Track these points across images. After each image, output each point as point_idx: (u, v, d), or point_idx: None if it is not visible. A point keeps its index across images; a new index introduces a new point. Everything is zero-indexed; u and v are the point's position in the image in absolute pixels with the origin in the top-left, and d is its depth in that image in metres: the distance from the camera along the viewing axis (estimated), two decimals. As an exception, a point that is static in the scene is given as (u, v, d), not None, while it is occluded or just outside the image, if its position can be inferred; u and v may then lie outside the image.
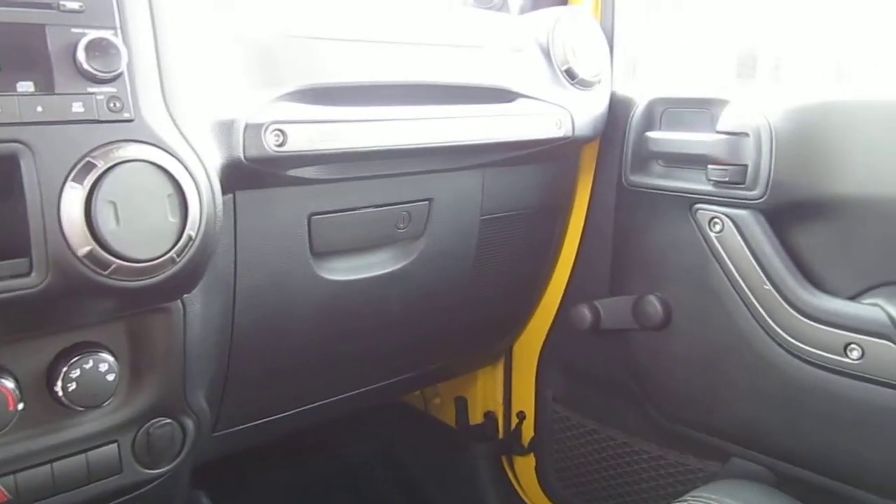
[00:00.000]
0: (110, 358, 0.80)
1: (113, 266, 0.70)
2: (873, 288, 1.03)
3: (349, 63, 0.97)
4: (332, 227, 1.03)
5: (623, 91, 1.29)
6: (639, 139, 1.24)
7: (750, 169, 1.09)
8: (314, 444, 1.72)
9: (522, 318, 1.49)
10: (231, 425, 1.09)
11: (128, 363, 0.85)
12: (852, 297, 1.05)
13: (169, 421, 0.91)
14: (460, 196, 1.17)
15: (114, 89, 0.71)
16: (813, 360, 1.05)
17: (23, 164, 0.67)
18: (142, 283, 0.73)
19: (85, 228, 0.68)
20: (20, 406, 0.76)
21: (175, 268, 0.74)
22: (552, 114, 1.17)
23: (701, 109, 1.19)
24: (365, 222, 1.07)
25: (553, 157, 1.25)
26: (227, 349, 0.99)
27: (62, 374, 0.78)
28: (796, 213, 1.08)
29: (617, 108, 1.27)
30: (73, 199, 0.68)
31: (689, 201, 1.17)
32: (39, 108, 0.68)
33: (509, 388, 1.59)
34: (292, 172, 0.92)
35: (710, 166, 1.13)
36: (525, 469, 1.60)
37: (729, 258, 1.12)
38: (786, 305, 1.07)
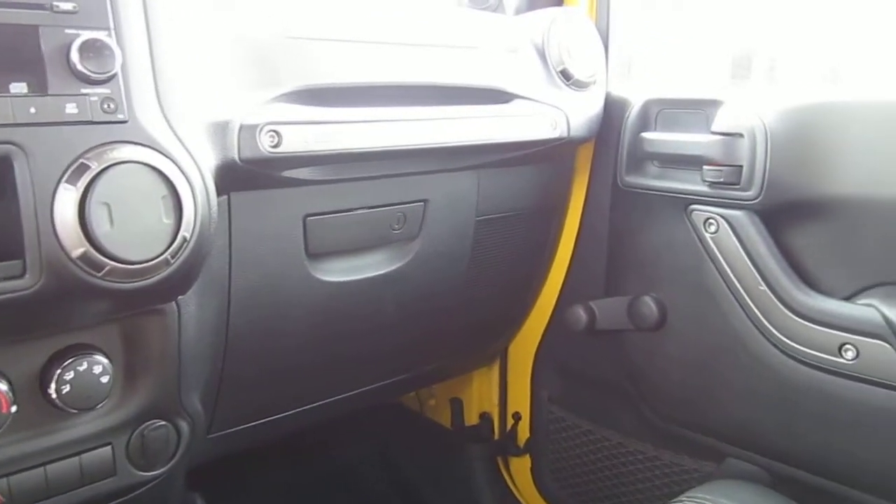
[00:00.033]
0: (104, 360, 0.80)
1: (107, 268, 0.70)
2: (868, 288, 1.04)
3: (344, 64, 0.97)
4: (327, 229, 1.03)
5: (618, 92, 1.29)
6: (634, 140, 1.24)
7: (745, 169, 1.09)
8: (309, 445, 1.72)
9: (518, 319, 1.49)
10: (226, 427, 1.09)
11: (122, 365, 0.85)
12: (847, 298, 1.05)
13: (163, 423, 0.91)
14: (456, 197, 1.17)
15: (108, 90, 0.71)
16: (808, 361, 1.06)
17: (16, 165, 0.66)
18: (136, 284, 0.72)
19: (79, 230, 0.68)
20: (13, 409, 0.76)
21: (169, 269, 0.74)
22: (547, 114, 1.17)
23: (696, 110, 1.19)
24: (360, 223, 1.07)
25: (548, 157, 1.25)
26: (222, 351, 0.99)
27: (56, 377, 0.77)
28: (791, 213, 1.08)
29: (612, 109, 1.27)
30: (66, 201, 0.68)
31: (684, 202, 1.17)
32: (33, 110, 0.67)
33: (505, 389, 1.59)
34: (287, 174, 0.92)
35: (705, 167, 1.13)
36: (521, 470, 1.60)
37: (724, 259, 1.13)
38: (781, 306, 1.07)
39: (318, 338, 1.12)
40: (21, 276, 0.68)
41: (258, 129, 0.85)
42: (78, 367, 0.78)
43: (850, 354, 1.01)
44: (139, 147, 0.72)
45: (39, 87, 0.68)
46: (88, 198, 0.68)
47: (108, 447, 0.87)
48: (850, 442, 1.04)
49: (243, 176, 0.86)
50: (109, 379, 0.80)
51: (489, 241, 1.25)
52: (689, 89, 1.27)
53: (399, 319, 1.21)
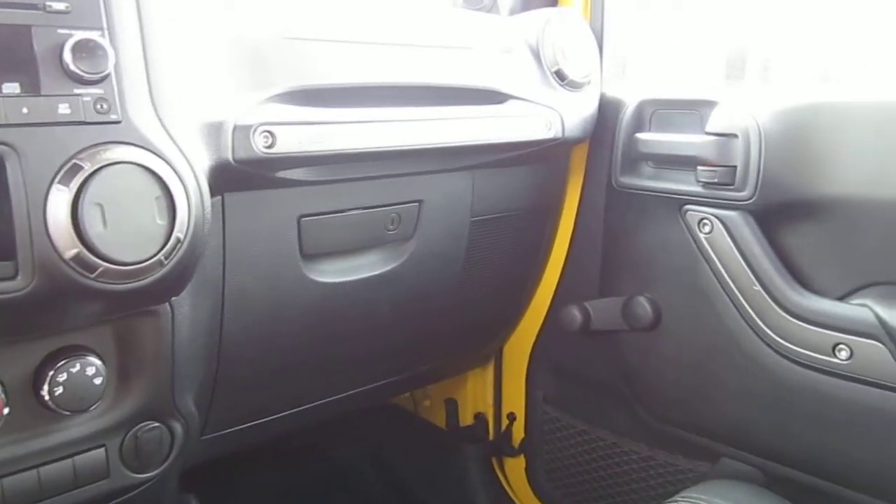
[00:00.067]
0: (97, 361, 0.80)
1: (100, 269, 0.69)
2: (862, 288, 1.04)
3: (339, 64, 0.96)
4: (321, 229, 1.03)
5: (612, 92, 1.29)
6: (628, 140, 1.24)
7: (739, 170, 1.09)
8: (304, 446, 1.72)
9: (512, 320, 1.49)
10: (220, 428, 1.09)
11: (115, 367, 0.84)
12: (841, 298, 1.05)
13: (157, 424, 0.91)
14: (450, 198, 1.17)
15: (101, 91, 0.71)
16: (802, 361, 1.06)
17: (8, 166, 0.66)
18: (129, 286, 0.72)
19: (71, 231, 0.68)
20: (6, 411, 0.76)
21: (163, 270, 0.74)
22: (542, 115, 1.17)
23: (690, 111, 1.19)
24: (355, 224, 1.07)
25: (543, 158, 1.25)
26: (216, 352, 0.99)
27: (49, 378, 0.77)
28: (785, 213, 1.08)
29: (606, 110, 1.27)
30: (59, 202, 0.67)
31: (678, 202, 1.18)
32: (25, 110, 0.67)
33: (499, 390, 1.59)
34: (281, 174, 0.92)
35: (699, 167, 1.13)
36: (515, 470, 1.60)
37: (718, 259, 1.13)
38: (775, 306, 1.08)
39: (312, 339, 1.12)
40: (13, 277, 0.67)
41: (252, 130, 0.84)
42: (71, 369, 0.78)
43: (843, 354, 1.01)
44: (132, 147, 0.71)
45: (32, 88, 0.67)
46: (81, 198, 0.68)
47: (102, 449, 0.86)
48: (844, 442, 1.04)
49: (237, 176, 0.86)
50: (103, 380, 0.80)
51: (484, 241, 1.25)
52: (683, 90, 1.27)
53: (394, 320, 1.20)
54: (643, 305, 1.23)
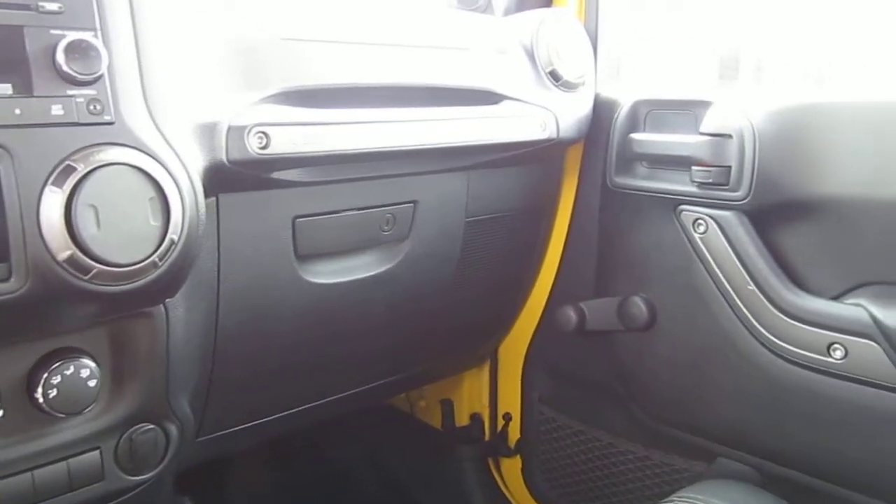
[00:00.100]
0: (92, 364, 0.79)
1: (94, 271, 0.69)
2: (856, 288, 1.04)
3: (333, 65, 0.96)
4: (316, 230, 1.02)
5: (607, 93, 1.29)
6: (623, 141, 1.24)
7: (733, 170, 1.09)
8: (300, 447, 1.71)
9: (508, 320, 1.49)
10: (215, 430, 1.09)
11: (109, 369, 0.84)
12: (835, 298, 1.06)
13: (152, 427, 0.90)
14: (445, 198, 1.17)
15: (94, 92, 0.71)
16: (797, 360, 1.06)
17: (1, 167, 0.66)
18: (123, 287, 0.72)
19: (65, 233, 0.67)
20: (-1, 413, 0.75)
21: (157, 272, 0.73)
22: (537, 115, 1.17)
23: (684, 111, 1.19)
24: (349, 225, 1.06)
25: (538, 158, 1.25)
26: (211, 353, 0.99)
27: (42, 381, 0.76)
28: (780, 213, 1.09)
29: (601, 110, 1.27)
30: (52, 203, 0.67)
31: (673, 202, 1.18)
32: (18, 111, 0.67)
33: (495, 390, 1.59)
34: (276, 175, 0.92)
35: (693, 167, 1.14)
36: (511, 471, 1.59)
37: (713, 259, 1.13)
38: (770, 306, 1.08)
39: (307, 340, 1.12)
40: (7, 279, 0.67)
41: (246, 131, 0.84)
42: (65, 371, 0.77)
43: (838, 354, 1.01)
44: (126, 149, 0.71)
45: (25, 89, 0.67)
46: (75, 200, 0.67)
47: (97, 452, 0.86)
48: (839, 441, 1.04)
49: (232, 177, 0.86)
50: (97, 383, 0.80)
51: (479, 242, 1.25)
52: (677, 90, 1.27)
53: (389, 321, 1.20)
54: (638, 305, 1.23)
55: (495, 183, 1.23)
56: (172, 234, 0.73)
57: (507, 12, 1.36)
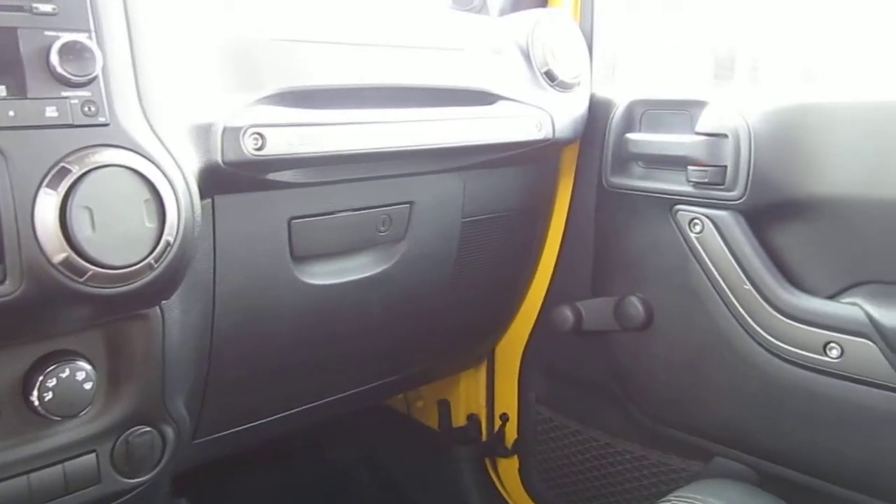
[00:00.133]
0: (87, 366, 0.79)
1: (89, 273, 0.69)
2: (852, 287, 1.04)
3: (328, 66, 0.96)
4: (312, 231, 1.02)
5: (603, 93, 1.29)
6: (619, 141, 1.24)
7: (729, 170, 1.10)
8: (297, 448, 1.71)
9: (504, 321, 1.49)
10: (212, 432, 1.08)
11: (105, 371, 0.84)
12: (831, 297, 1.06)
13: (148, 429, 0.90)
14: (441, 199, 1.17)
15: (88, 93, 0.70)
16: (793, 360, 1.06)
17: (-5, 169, 0.65)
18: (119, 289, 0.71)
19: (60, 235, 0.67)
20: (-5, 416, 0.75)
21: (153, 274, 0.73)
22: (532, 116, 1.17)
23: (680, 111, 1.19)
24: (346, 226, 1.06)
25: (534, 159, 1.25)
26: (207, 355, 0.98)
27: (38, 384, 0.76)
28: (775, 213, 1.09)
29: (597, 110, 1.27)
30: (47, 206, 0.67)
31: (669, 202, 1.18)
32: (12, 113, 0.66)
33: (492, 391, 1.59)
34: (271, 176, 0.92)
35: (689, 167, 1.14)
36: (508, 471, 1.59)
37: (709, 258, 1.13)
38: (766, 305, 1.08)
39: (304, 341, 1.11)
40: (1, 282, 0.67)
41: (242, 132, 0.84)
42: (60, 374, 0.77)
43: (834, 353, 1.02)
44: (121, 150, 0.71)
45: (18, 90, 0.67)
46: (69, 202, 0.67)
47: (93, 454, 0.86)
48: (836, 440, 1.04)
49: (227, 179, 0.85)
50: (93, 385, 0.79)
51: (475, 242, 1.25)
52: (673, 90, 1.27)
53: (386, 322, 1.20)
54: (635, 305, 1.23)
55: (491, 183, 1.23)
56: (168, 235, 0.73)
57: (503, 12, 1.36)
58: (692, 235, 1.15)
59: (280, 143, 0.87)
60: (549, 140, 1.18)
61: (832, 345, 1.02)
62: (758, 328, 1.09)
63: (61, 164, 0.68)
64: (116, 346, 0.84)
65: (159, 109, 0.76)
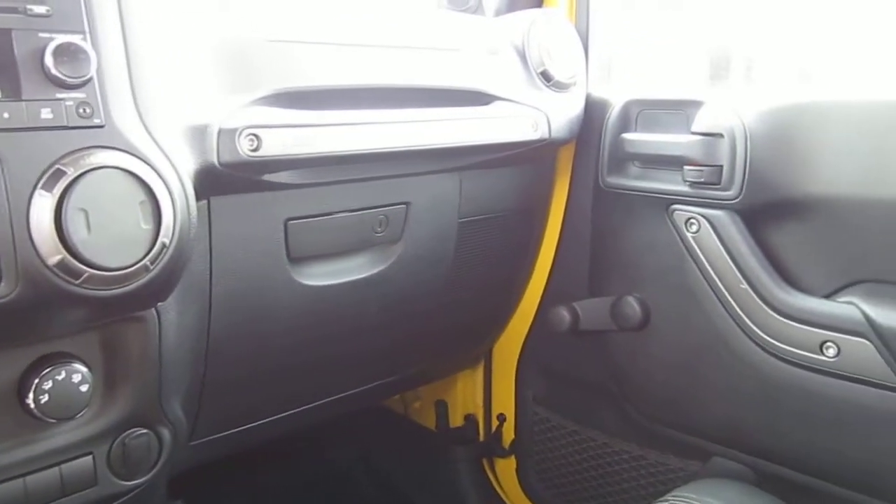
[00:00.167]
0: (83, 368, 0.79)
1: (85, 275, 0.68)
2: (848, 286, 1.04)
3: (324, 66, 0.96)
4: (308, 232, 1.02)
5: (598, 93, 1.29)
6: (615, 141, 1.24)
7: (725, 169, 1.10)
8: (294, 449, 1.71)
9: (501, 321, 1.49)
10: (208, 434, 1.08)
11: (101, 373, 0.84)
12: (828, 296, 1.06)
13: (145, 431, 0.90)
14: (438, 199, 1.17)
15: (83, 95, 0.70)
16: (790, 359, 1.06)
17: (-10, 172, 0.65)
18: (115, 291, 0.71)
19: (55, 237, 0.67)
20: (-10, 419, 0.75)
21: (149, 276, 0.73)
22: (528, 116, 1.17)
23: (676, 111, 1.19)
24: (342, 227, 1.06)
25: (530, 159, 1.25)
26: (203, 356, 0.98)
27: (34, 386, 0.76)
28: (772, 212, 1.09)
29: (593, 110, 1.27)
30: (42, 207, 0.67)
31: (665, 202, 1.18)
32: (6, 115, 0.66)
33: (489, 391, 1.59)
34: (267, 177, 0.91)
35: (685, 167, 1.14)
36: (506, 471, 1.59)
37: (706, 258, 1.13)
38: (762, 304, 1.08)
39: (300, 342, 1.11)
40: None
41: (237, 133, 0.84)
42: (56, 376, 0.77)
43: (831, 352, 1.02)
44: (116, 152, 0.71)
45: (13, 92, 0.67)
46: (65, 204, 0.67)
47: (89, 457, 0.86)
48: (833, 439, 1.05)
49: (223, 180, 0.85)
50: (89, 388, 0.79)
51: (472, 242, 1.25)
52: (669, 90, 1.27)
53: (382, 322, 1.20)
54: (632, 305, 1.23)
55: (488, 183, 1.23)
56: (164, 237, 0.73)
57: (498, 13, 1.36)
58: (689, 235, 1.15)
59: (276, 145, 0.87)
60: (545, 140, 1.18)
61: (829, 344, 1.02)
62: (754, 328, 1.09)
63: (56, 166, 0.67)
64: (112, 348, 0.83)
65: (154, 111, 0.76)
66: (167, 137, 0.76)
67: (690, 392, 1.20)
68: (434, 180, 1.15)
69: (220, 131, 0.83)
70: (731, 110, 1.09)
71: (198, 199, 0.79)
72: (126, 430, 0.88)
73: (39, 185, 0.67)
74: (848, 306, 1.02)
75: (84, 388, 0.79)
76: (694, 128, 1.14)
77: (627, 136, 1.23)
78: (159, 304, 0.84)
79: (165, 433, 0.92)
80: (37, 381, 0.76)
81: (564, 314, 1.29)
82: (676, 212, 1.16)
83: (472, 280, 1.30)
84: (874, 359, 0.98)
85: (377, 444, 1.80)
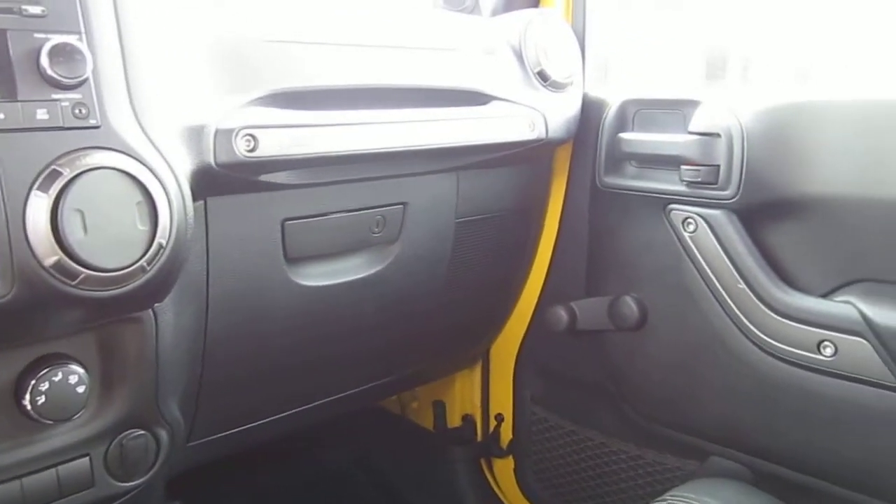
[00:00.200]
0: (80, 370, 0.79)
1: (81, 276, 0.68)
2: (845, 285, 1.05)
3: (321, 67, 0.96)
4: (306, 233, 1.02)
5: (595, 93, 1.29)
6: (612, 140, 1.24)
7: (722, 169, 1.10)
8: (292, 450, 1.71)
9: (499, 321, 1.49)
10: (206, 434, 1.08)
11: (98, 374, 0.83)
12: (825, 295, 1.06)
13: (142, 432, 0.90)
14: (435, 199, 1.17)
15: (79, 95, 0.70)
16: (787, 358, 1.06)
17: (-14, 172, 0.65)
18: (111, 292, 0.71)
19: (51, 238, 0.67)
20: (-13, 420, 0.75)
21: (145, 277, 0.73)
22: (525, 116, 1.17)
23: (673, 110, 1.19)
24: (339, 227, 1.06)
25: (527, 159, 1.25)
26: (200, 357, 0.98)
27: (31, 388, 0.76)
28: (768, 212, 1.09)
29: (590, 110, 1.27)
30: (38, 208, 0.66)
31: (662, 202, 1.18)
32: (2, 116, 0.66)
33: (487, 391, 1.59)
34: (264, 178, 0.91)
35: (682, 167, 1.14)
36: (504, 471, 1.59)
37: (703, 258, 1.13)
38: (759, 304, 1.08)
39: (298, 343, 1.11)
40: None
41: (234, 134, 0.84)
42: (53, 378, 0.77)
43: (828, 351, 1.02)
44: (112, 153, 0.71)
45: (8, 93, 0.66)
46: (61, 205, 0.67)
47: (86, 458, 0.85)
48: (830, 438, 1.05)
49: (220, 180, 0.85)
50: (86, 389, 0.79)
51: (469, 242, 1.25)
52: (665, 90, 1.27)
53: (380, 323, 1.20)
54: (629, 305, 1.23)
55: (485, 184, 1.23)
56: (160, 238, 0.73)
57: (495, 13, 1.36)
58: (686, 235, 1.15)
59: (272, 145, 0.87)
60: (542, 140, 1.18)
61: (826, 343, 1.02)
62: (752, 327, 1.09)
63: (52, 167, 0.67)
64: (109, 349, 0.83)
65: (151, 111, 0.76)
66: (163, 138, 0.76)
67: (688, 391, 1.20)
68: (431, 180, 1.15)
69: (216, 132, 0.82)
70: (728, 110, 1.09)
71: (194, 199, 0.79)
72: (123, 431, 0.88)
73: (35, 185, 0.66)
74: (845, 305, 1.02)
75: (81, 389, 0.79)
76: (691, 127, 1.14)
77: (624, 135, 1.23)
78: (156, 304, 0.84)
79: (163, 434, 0.92)
80: (33, 382, 0.76)
81: (562, 314, 1.29)
82: (673, 211, 1.16)
83: (470, 280, 1.30)
84: (871, 358, 0.98)
85: (375, 444, 1.80)
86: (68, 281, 0.68)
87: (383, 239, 1.12)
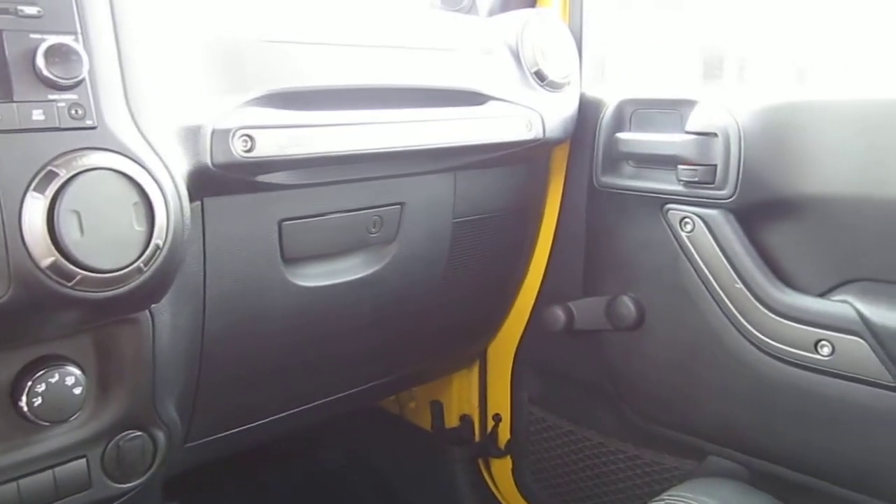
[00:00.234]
0: (77, 371, 0.79)
1: (77, 277, 0.68)
2: (842, 285, 1.05)
3: (318, 67, 0.96)
4: (303, 233, 1.02)
5: (592, 92, 1.29)
6: (609, 140, 1.24)
7: (719, 169, 1.10)
8: (289, 450, 1.71)
9: (496, 321, 1.48)
10: (203, 435, 1.08)
11: (95, 376, 0.83)
12: (822, 295, 1.06)
13: (139, 433, 0.90)
14: (432, 200, 1.17)
15: (75, 96, 0.70)
16: (784, 358, 1.06)
17: (-18, 174, 0.65)
18: (108, 294, 0.71)
19: (48, 239, 0.67)
20: (-17, 422, 0.74)
21: (142, 278, 0.73)
22: (522, 116, 1.17)
23: (670, 110, 1.19)
24: (336, 227, 1.06)
25: (524, 159, 1.25)
26: (198, 358, 0.98)
27: (27, 389, 0.76)
28: (766, 212, 1.09)
29: (587, 110, 1.27)
30: (34, 210, 0.66)
31: (660, 201, 1.18)
32: None
33: (485, 391, 1.59)
34: (261, 178, 0.91)
35: (679, 166, 1.14)
36: (502, 471, 1.59)
37: (700, 257, 1.13)
38: (757, 303, 1.08)
39: (295, 343, 1.11)
40: None
41: (231, 134, 0.83)
42: (49, 379, 0.77)
43: (825, 351, 1.02)
44: (109, 153, 0.70)
45: (4, 94, 0.66)
46: (57, 206, 0.66)
47: (83, 460, 0.85)
48: (828, 438, 1.05)
49: (217, 181, 0.85)
50: (82, 390, 0.79)
51: (466, 243, 1.25)
52: (663, 89, 1.27)
53: (377, 323, 1.20)
54: (626, 305, 1.23)
55: (482, 184, 1.23)
56: (157, 239, 0.72)
57: (492, 13, 1.35)
58: (683, 234, 1.15)
59: (269, 145, 0.87)
60: (539, 140, 1.18)
61: (823, 343, 1.02)
62: (749, 327, 1.09)
63: (48, 168, 0.67)
64: (106, 350, 0.83)
65: (147, 112, 0.76)
66: (160, 138, 0.76)
67: (686, 391, 1.20)
68: (428, 180, 1.15)
69: (213, 132, 0.82)
70: (725, 109, 1.10)
71: (191, 200, 0.79)
72: (120, 432, 0.88)
73: (31, 186, 0.66)
74: (842, 305, 1.02)
75: (77, 390, 0.78)
76: (688, 127, 1.14)
77: (621, 135, 1.23)
78: (153, 305, 0.84)
79: (160, 435, 0.92)
80: (30, 383, 0.76)
81: (559, 314, 1.29)
82: (671, 211, 1.16)
83: (467, 280, 1.30)
84: (868, 357, 0.98)
85: (373, 444, 1.80)
86: (65, 282, 0.68)
87: (380, 239, 1.12)
